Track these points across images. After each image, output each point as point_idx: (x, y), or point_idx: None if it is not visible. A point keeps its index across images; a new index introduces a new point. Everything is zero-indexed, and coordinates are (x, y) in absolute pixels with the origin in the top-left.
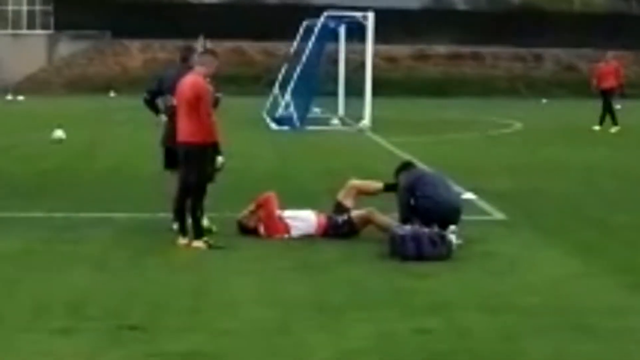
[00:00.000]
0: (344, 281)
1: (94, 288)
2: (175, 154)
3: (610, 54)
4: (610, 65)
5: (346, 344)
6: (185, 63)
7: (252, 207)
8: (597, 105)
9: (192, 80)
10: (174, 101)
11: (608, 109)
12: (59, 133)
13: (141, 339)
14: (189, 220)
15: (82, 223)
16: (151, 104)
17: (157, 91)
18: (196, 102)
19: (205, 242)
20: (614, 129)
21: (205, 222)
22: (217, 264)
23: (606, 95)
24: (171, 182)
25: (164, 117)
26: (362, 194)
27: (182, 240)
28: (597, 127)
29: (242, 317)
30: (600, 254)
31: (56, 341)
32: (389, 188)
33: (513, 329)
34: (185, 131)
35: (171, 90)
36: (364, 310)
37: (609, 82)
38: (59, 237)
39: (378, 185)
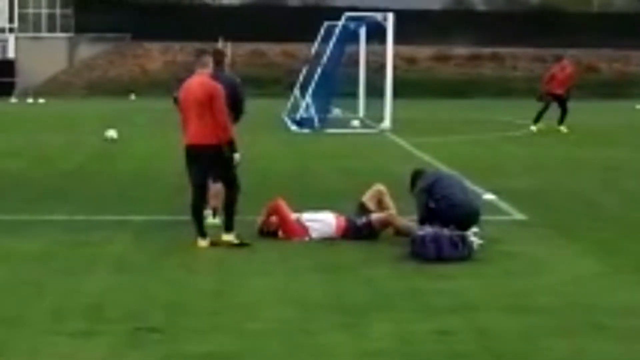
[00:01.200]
0: (365, 282)
1: (113, 290)
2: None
3: (566, 60)
4: (566, 72)
5: (367, 345)
6: (218, 66)
7: (264, 216)
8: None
9: (200, 81)
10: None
11: (564, 108)
12: (111, 132)
13: (161, 341)
14: (212, 220)
15: (102, 225)
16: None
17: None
18: (209, 102)
19: (237, 235)
20: (564, 129)
21: (216, 220)
22: (237, 266)
23: (560, 98)
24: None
25: None
26: (379, 205)
27: (203, 242)
28: (564, 129)
29: (262, 318)
30: (620, 253)
31: (76, 344)
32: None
33: (533, 329)
34: (199, 133)
35: None
36: (384, 311)
37: (562, 89)
38: (80, 239)
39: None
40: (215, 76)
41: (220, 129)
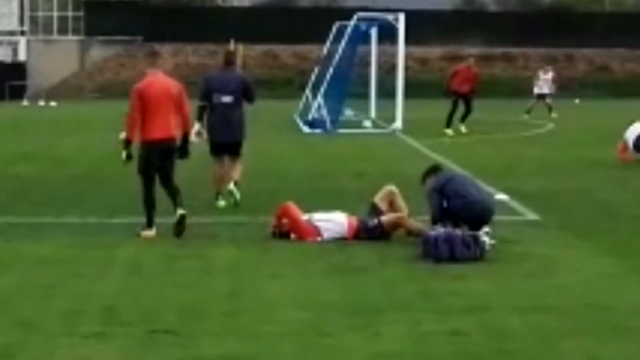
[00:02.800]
0: (378, 283)
1: (127, 293)
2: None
3: (472, 59)
4: (471, 70)
5: (381, 346)
6: (229, 66)
7: (274, 221)
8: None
9: (165, 80)
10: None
11: (468, 107)
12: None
13: (175, 343)
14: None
15: (115, 228)
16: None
17: (205, 94)
18: (180, 98)
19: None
20: (463, 128)
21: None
22: (251, 268)
23: (466, 98)
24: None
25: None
26: (390, 206)
27: (150, 233)
28: (464, 128)
29: (276, 320)
30: (634, 253)
31: (90, 346)
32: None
33: (547, 329)
34: (170, 127)
35: (217, 90)
36: (398, 312)
37: (467, 87)
38: (93, 242)
39: (404, 212)
40: (229, 74)
41: (186, 122)
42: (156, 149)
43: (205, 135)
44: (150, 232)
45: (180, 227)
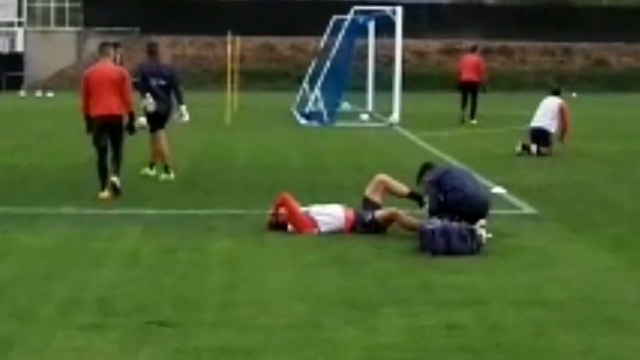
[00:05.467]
0: (375, 276)
1: (124, 284)
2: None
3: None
4: (471, 58)
5: (377, 339)
6: (153, 56)
7: (272, 210)
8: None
9: (111, 66)
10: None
11: (473, 100)
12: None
13: (171, 335)
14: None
15: (112, 219)
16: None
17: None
18: (122, 82)
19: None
20: (474, 121)
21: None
22: (248, 260)
23: (472, 88)
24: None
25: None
26: (388, 192)
27: (104, 194)
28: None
29: (273, 312)
30: (632, 247)
31: (87, 337)
32: (412, 196)
33: (544, 323)
34: (113, 106)
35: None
36: (394, 305)
37: (469, 75)
38: (90, 233)
39: (404, 189)
40: (155, 65)
41: (127, 103)
42: (100, 124)
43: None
44: (104, 194)
45: (115, 191)
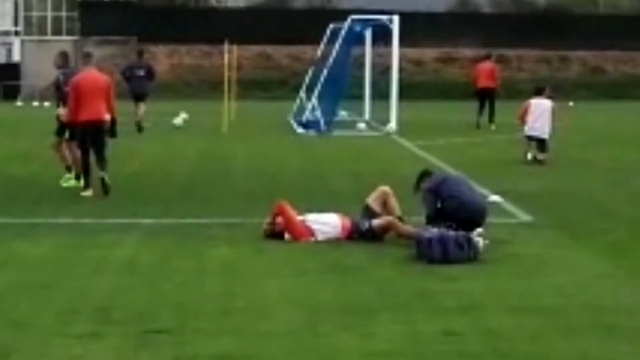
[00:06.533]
0: (372, 283)
1: (122, 292)
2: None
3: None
4: (486, 65)
5: (375, 346)
6: (140, 57)
7: (269, 219)
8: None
9: (96, 74)
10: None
11: (492, 107)
12: (178, 119)
13: (169, 342)
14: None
15: (110, 228)
16: None
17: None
18: (107, 89)
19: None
20: (493, 127)
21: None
22: (245, 267)
23: (489, 94)
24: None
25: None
26: (384, 205)
27: (88, 192)
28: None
29: (271, 319)
30: (628, 254)
31: (85, 345)
32: (399, 220)
33: (541, 330)
34: (99, 111)
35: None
36: (392, 312)
37: (486, 82)
38: (88, 242)
39: (397, 211)
40: (140, 61)
41: (111, 109)
42: (87, 128)
43: None
44: (88, 192)
45: (104, 187)
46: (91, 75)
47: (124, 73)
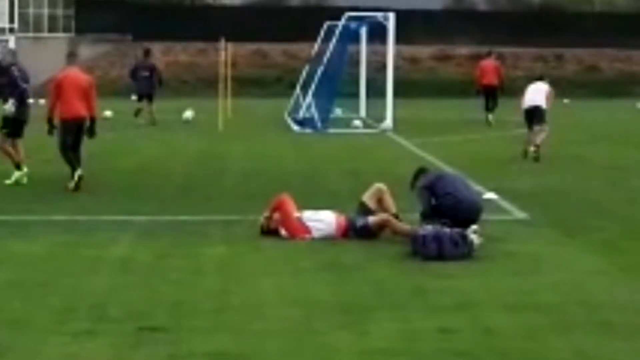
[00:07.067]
0: (368, 281)
1: (117, 290)
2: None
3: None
4: (489, 63)
5: (370, 344)
6: (146, 57)
7: (267, 212)
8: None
9: (78, 72)
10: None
11: (494, 103)
12: (187, 114)
13: (164, 340)
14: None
15: (105, 226)
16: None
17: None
18: (90, 88)
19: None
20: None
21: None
22: (241, 265)
23: (493, 91)
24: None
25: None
26: (379, 202)
27: (71, 183)
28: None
29: (266, 317)
30: (623, 251)
31: (80, 343)
32: (395, 217)
33: (537, 327)
34: (81, 109)
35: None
36: (387, 310)
37: (490, 79)
38: (83, 240)
39: (393, 209)
40: (146, 61)
41: (92, 108)
42: (68, 126)
43: None
44: (72, 184)
45: (78, 184)
46: (74, 74)
47: (132, 72)
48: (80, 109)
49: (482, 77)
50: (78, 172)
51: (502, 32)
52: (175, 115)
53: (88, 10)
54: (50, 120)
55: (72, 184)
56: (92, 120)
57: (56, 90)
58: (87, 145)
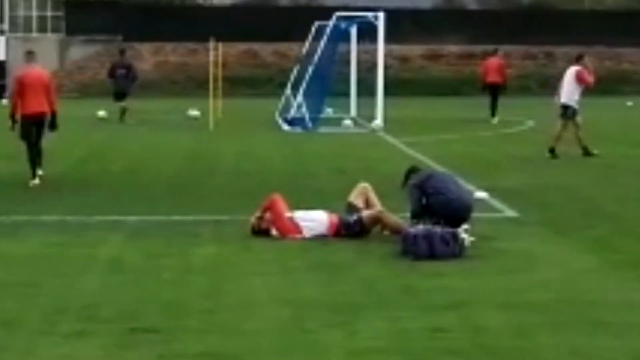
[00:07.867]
0: (358, 280)
1: (108, 290)
2: None
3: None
4: (494, 61)
5: (361, 343)
6: (122, 55)
7: (258, 212)
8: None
9: (40, 70)
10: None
11: (494, 101)
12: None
13: (156, 341)
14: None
15: (96, 226)
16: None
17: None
18: (50, 84)
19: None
20: (495, 120)
21: None
22: (232, 265)
23: (494, 89)
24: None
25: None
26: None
27: (34, 181)
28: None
29: (258, 317)
30: (615, 249)
31: (72, 344)
32: None
33: (528, 325)
34: (42, 105)
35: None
36: (378, 309)
37: (493, 77)
38: (74, 240)
39: (378, 206)
40: (123, 60)
41: (53, 103)
42: (31, 120)
43: None
44: (35, 182)
45: (39, 180)
46: (35, 71)
47: (109, 72)
48: (42, 104)
49: (486, 75)
50: (39, 173)
51: (492, 30)
52: (164, 116)
53: (78, 11)
54: (12, 117)
55: (35, 181)
56: (53, 114)
57: (18, 86)
58: (77, 147)
